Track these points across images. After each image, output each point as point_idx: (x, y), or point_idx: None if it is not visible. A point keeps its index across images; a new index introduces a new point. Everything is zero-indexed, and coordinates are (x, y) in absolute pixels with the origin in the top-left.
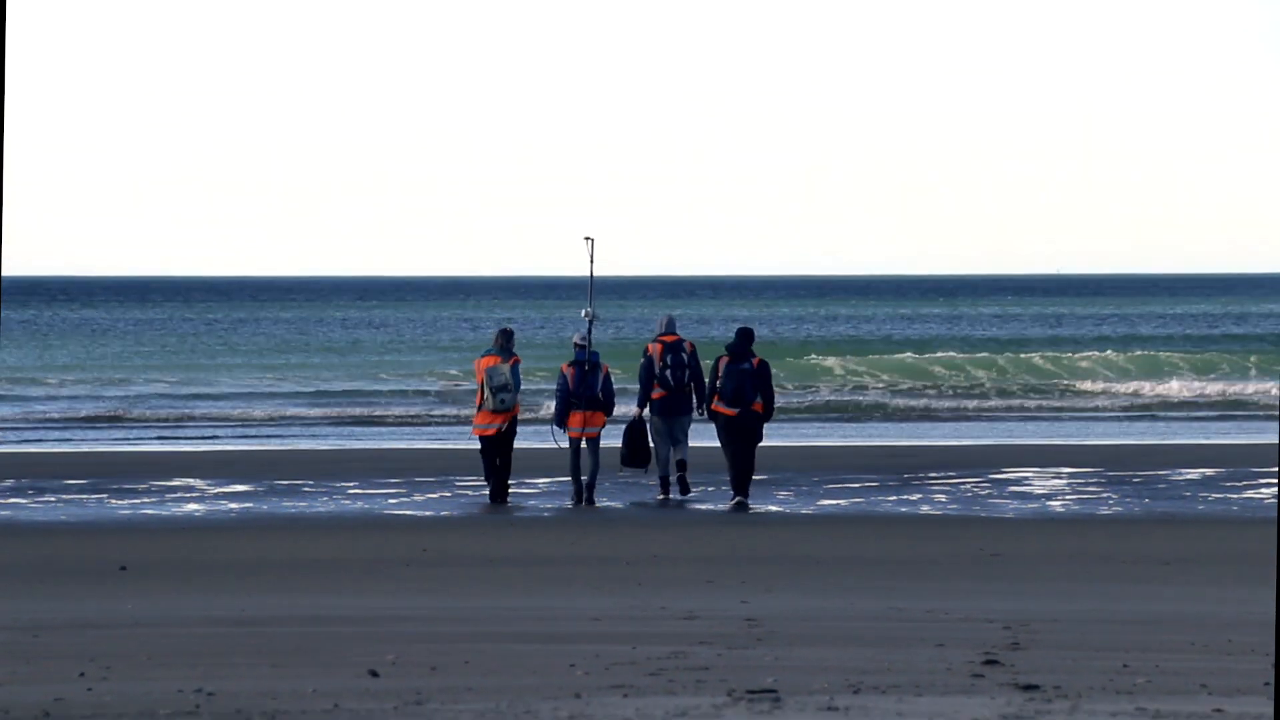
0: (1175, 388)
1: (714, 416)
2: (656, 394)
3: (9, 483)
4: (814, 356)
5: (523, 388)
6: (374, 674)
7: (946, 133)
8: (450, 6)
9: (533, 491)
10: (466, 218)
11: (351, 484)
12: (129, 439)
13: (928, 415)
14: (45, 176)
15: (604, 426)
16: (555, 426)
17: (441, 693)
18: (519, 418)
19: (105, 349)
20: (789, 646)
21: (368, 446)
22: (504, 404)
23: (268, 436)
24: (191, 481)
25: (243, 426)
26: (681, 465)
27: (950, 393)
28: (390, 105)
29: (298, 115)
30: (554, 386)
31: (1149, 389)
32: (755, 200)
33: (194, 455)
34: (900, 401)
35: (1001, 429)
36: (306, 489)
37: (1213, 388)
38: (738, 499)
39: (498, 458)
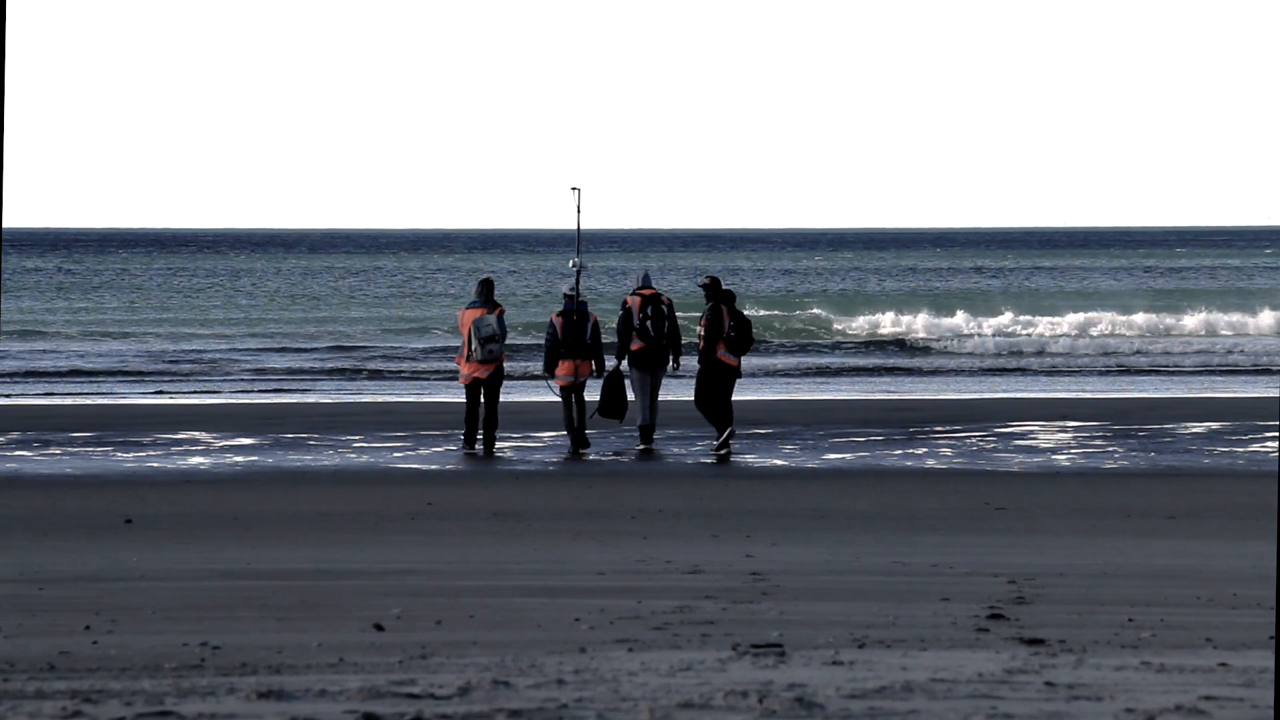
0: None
1: (715, 366)
2: (635, 346)
3: (14, 435)
4: (819, 311)
5: (508, 339)
6: (379, 628)
7: (946, 86)
8: None
9: (537, 445)
10: (450, 170)
11: (356, 438)
12: (131, 392)
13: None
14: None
15: (592, 375)
16: (546, 374)
17: (446, 646)
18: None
19: (98, 301)
20: (794, 601)
21: (372, 400)
22: (492, 354)
23: (272, 390)
24: (196, 434)
25: (247, 379)
26: (649, 431)
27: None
28: (375, 58)
29: (286, 69)
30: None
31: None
32: (766, 153)
33: (198, 408)
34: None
35: (1006, 382)
36: (311, 443)
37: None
38: (731, 429)
39: (484, 406)
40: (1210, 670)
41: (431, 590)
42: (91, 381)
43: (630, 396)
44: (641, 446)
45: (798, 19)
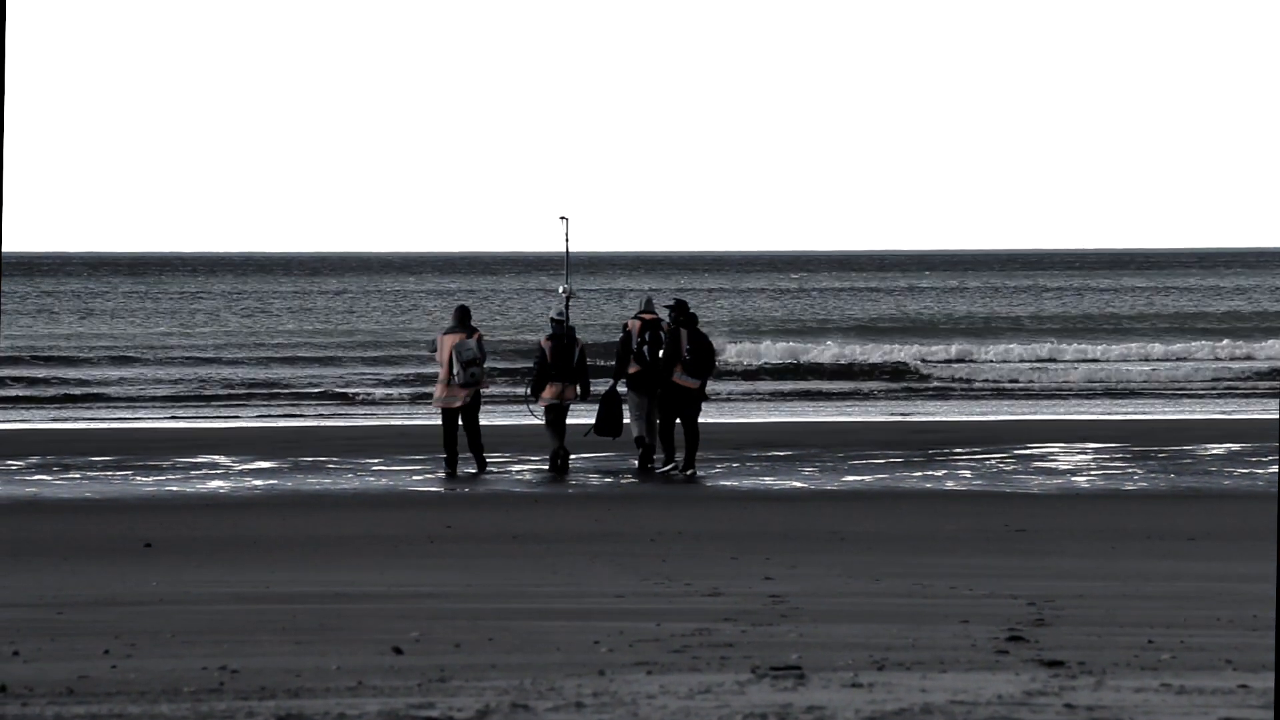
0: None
1: (672, 389)
2: (633, 369)
3: (34, 459)
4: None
5: (487, 364)
6: (398, 651)
7: (936, 108)
8: None
9: None
10: (445, 194)
11: (375, 460)
12: (150, 416)
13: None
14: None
15: (576, 399)
16: (529, 398)
17: (465, 670)
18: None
19: (106, 325)
20: (813, 623)
21: (390, 423)
22: (474, 377)
23: (290, 414)
24: (216, 458)
25: (262, 403)
26: (650, 450)
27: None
28: (369, 88)
29: (278, 93)
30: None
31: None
32: (760, 176)
33: (217, 432)
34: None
35: (1025, 404)
36: (330, 466)
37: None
38: (692, 470)
39: (463, 430)
40: (1230, 692)
41: (450, 613)
42: (108, 405)
43: (626, 419)
44: (639, 465)
45: (784, 44)
